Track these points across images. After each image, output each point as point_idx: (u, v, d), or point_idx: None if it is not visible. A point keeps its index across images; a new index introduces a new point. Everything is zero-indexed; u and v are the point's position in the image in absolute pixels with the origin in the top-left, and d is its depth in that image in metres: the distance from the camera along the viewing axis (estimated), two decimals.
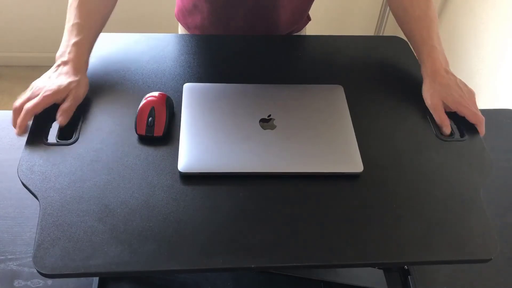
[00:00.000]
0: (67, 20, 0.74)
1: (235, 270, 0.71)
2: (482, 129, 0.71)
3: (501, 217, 0.77)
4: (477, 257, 0.58)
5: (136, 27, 2.04)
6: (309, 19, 1.04)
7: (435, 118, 0.72)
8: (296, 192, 0.62)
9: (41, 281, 0.68)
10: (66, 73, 0.69)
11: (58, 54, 0.72)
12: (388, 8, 1.86)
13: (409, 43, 0.81)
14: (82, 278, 0.70)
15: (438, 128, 0.72)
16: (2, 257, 0.70)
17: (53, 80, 0.68)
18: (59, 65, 0.70)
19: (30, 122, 0.68)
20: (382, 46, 0.84)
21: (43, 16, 2.03)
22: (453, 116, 0.73)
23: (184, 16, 0.97)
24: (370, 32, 2.12)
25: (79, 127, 0.68)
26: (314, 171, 0.64)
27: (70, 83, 0.68)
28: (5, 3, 1.99)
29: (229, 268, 0.60)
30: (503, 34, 1.40)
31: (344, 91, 0.75)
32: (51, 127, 0.68)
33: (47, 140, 0.66)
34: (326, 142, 0.67)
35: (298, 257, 0.56)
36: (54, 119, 0.68)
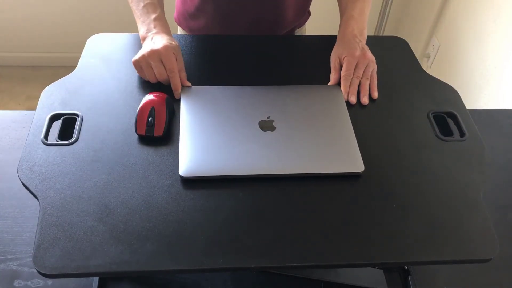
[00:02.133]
0: (135, 3, 0.77)
1: (235, 270, 0.71)
2: (343, 88, 0.75)
3: (501, 217, 0.77)
4: (477, 257, 0.58)
5: (136, 29, 2.04)
6: (309, 14, 1.05)
7: (331, 69, 0.78)
8: (296, 193, 0.62)
9: (41, 281, 0.67)
10: (164, 38, 0.73)
11: (142, 33, 0.75)
12: (388, 7, 1.85)
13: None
14: (82, 278, 0.70)
15: (439, 128, 0.72)
16: (2, 257, 0.70)
17: (159, 43, 0.71)
18: (152, 38, 0.73)
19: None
20: (382, 46, 0.84)
21: (43, 16, 2.03)
22: (453, 116, 0.73)
23: (186, 20, 0.97)
24: (370, 30, 2.12)
25: (78, 127, 0.67)
26: (314, 172, 0.64)
27: (178, 46, 0.74)
28: (5, 3, 1.99)
29: (229, 268, 0.60)
30: (503, 34, 1.40)
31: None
32: (51, 127, 0.67)
33: (47, 140, 0.66)
34: (326, 143, 0.67)
35: (298, 257, 0.56)
36: (53, 119, 0.68)
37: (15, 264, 0.69)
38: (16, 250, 0.71)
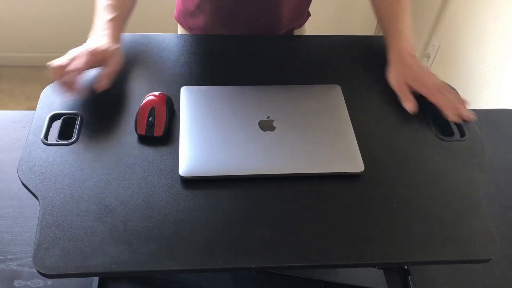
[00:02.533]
0: (98, 3, 0.74)
1: (235, 270, 0.71)
2: (446, 108, 0.72)
3: (501, 217, 0.77)
4: (477, 257, 0.58)
5: (136, 29, 2.04)
6: (309, 15, 1.04)
7: (400, 97, 0.74)
8: (296, 193, 0.62)
9: (41, 281, 0.67)
10: (105, 38, 0.69)
11: (91, 32, 0.72)
12: None
13: (381, 27, 0.83)
14: (82, 278, 0.70)
15: (439, 128, 0.72)
16: (2, 257, 0.70)
17: (99, 40, 0.68)
18: (95, 36, 0.71)
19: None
20: (382, 46, 0.83)
21: (44, 17, 2.03)
22: None
23: (185, 18, 0.97)
24: (371, 31, 2.12)
25: (78, 127, 0.67)
26: (314, 172, 0.64)
27: (110, 46, 0.68)
28: (5, 3, 2.00)
29: (229, 268, 0.60)
30: (503, 34, 1.40)
31: (343, 91, 0.75)
32: (51, 127, 0.67)
33: (47, 140, 0.66)
34: (326, 142, 0.67)
35: (298, 257, 0.56)
36: (53, 119, 0.68)
37: (15, 264, 0.69)
38: (16, 250, 0.71)
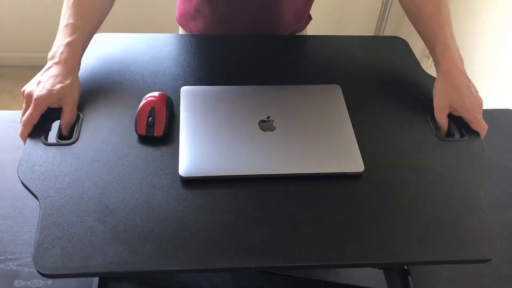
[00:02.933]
0: (61, 19, 0.72)
1: (235, 270, 0.71)
2: (482, 136, 0.71)
3: (501, 217, 0.77)
4: (477, 257, 0.58)
5: (136, 29, 2.04)
6: (310, 18, 1.04)
7: (436, 118, 0.72)
8: (296, 193, 0.62)
9: (41, 281, 0.67)
10: (58, 76, 0.67)
11: (49, 55, 0.69)
12: (388, 7, 1.86)
13: (422, 41, 0.79)
14: (82, 278, 0.70)
15: (437, 128, 0.72)
16: (2, 257, 0.70)
17: (43, 84, 0.66)
18: (49, 67, 0.68)
19: None
20: (382, 46, 0.84)
21: (44, 17, 2.03)
22: (455, 116, 0.73)
23: (186, 20, 0.97)
24: (371, 31, 2.12)
25: (79, 127, 0.67)
26: (314, 172, 0.64)
27: (62, 88, 0.66)
28: (5, 3, 1.99)
29: (229, 268, 0.60)
30: (503, 34, 1.40)
31: (343, 91, 0.75)
32: (51, 127, 0.67)
33: (47, 140, 0.66)
34: (326, 142, 0.67)
35: (298, 257, 0.56)
36: (53, 119, 0.68)
37: (15, 264, 0.69)
38: (16, 250, 0.71)
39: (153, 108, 0.68)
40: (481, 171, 0.66)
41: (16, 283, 0.68)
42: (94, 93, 0.73)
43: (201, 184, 0.62)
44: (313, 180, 0.64)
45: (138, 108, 0.68)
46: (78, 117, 0.69)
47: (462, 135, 0.71)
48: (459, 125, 0.72)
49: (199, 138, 0.66)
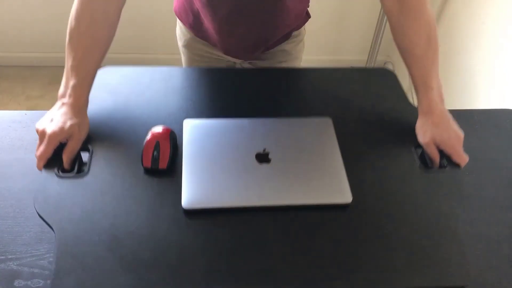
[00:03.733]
0: (66, 58, 0.77)
1: None
2: (462, 166, 0.77)
3: (501, 217, 0.79)
4: (453, 283, 0.63)
5: (134, 30, 2.05)
6: (308, 16, 1.04)
7: (428, 152, 0.78)
8: (289, 223, 0.68)
9: (41, 281, 0.68)
10: (67, 114, 0.73)
11: (59, 93, 0.76)
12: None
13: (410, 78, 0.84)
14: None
15: (422, 160, 0.77)
16: (2, 257, 0.70)
17: (56, 122, 0.73)
18: (61, 106, 0.75)
19: None
20: (370, 78, 0.89)
21: (44, 17, 2.02)
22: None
23: (186, 14, 0.98)
24: (370, 31, 2.08)
25: (89, 160, 0.73)
26: (306, 203, 0.69)
27: (72, 126, 0.72)
28: (6, 3, 1.98)
29: None
30: (503, 34, 1.39)
31: (334, 123, 0.80)
32: (62, 161, 0.73)
33: (59, 172, 0.71)
34: (317, 175, 0.73)
35: (292, 283, 0.61)
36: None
37: (15, 264, 0.69)
38: (16, 250, 0.71)
39: (157, 142, 0.73)
40: (460, 201, 0.72)
41: (16, 283, 0.67)
42: (103, 126, 0.79)
43: (202, 214, 0.68)
44: (305, 210, 0.69)
45: (144, 142, 0.74)
46: (88, 150, 0.75)
47: (443, 166, 0.77)
48: (441, 156, 0.78)
49: (200, 171, 0.71)
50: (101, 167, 0.73)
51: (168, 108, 0.83)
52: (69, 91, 0.75)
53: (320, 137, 0.78)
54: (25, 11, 2.02)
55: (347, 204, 0.70)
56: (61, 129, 0.72)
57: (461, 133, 0.78)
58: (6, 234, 0.72)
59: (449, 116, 0.79)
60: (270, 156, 0.74)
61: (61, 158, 0.72)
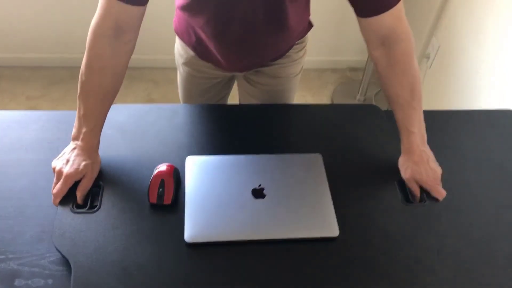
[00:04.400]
0: (77, 106, 0.82)
1: None
2: (440, 200, 0.84)
3: (501, 217, 0.83)
4: None
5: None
6: (311, 25, 1.06)
7: (410, 189, 0.85)
8: (281, 255, 0.75)
9: (41, 280, 0.70)
10: (81, 156, 0.81)
11: (72, 135, 0.83)
12: None
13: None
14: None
15: (404, 194, 0.85)
16: (3, 257, 0.72)
17: (71, 164, 0.80)
18: (74, 148, 0.82)
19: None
20: (357, 114, 0.96)
21: (44, 18, 2.05)
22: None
23: (189, 36, 1.00)
24: None
25: (101, 195, 0.81)
26: (297, 237, 0.77)
27: (85, 167, 0.80)
28: (6, 4, 2.00)
29: None
30: (503, 34, 1.41)
31: (324, 158, 0.88)
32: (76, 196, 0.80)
33: (74, 208, 0.79)
34: (307, 210, 0.80)
35: None
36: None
37: (15, 263, 0.71)
38: (16, 249, 0.73)
39: (162, 180, 0.81)
40: (437, 234, 0.79)
41: (16, 282, 0.69)
42: (112, 162, 0.86)
43: (202, 247, 0.75)
44: (296, 243, 0.77)
45: (150, 179, 0.81)
46: (100, 186, 0.82)
47: (423, 200, 0.84)
48: (421, 191, 0.85)
49: (201, 206, 0.79)
50: (111, 202, 0.80)
51: (171, 144, 0.90)
52: (81, 136, 0.82)
53: (311, 173, 0.86)
54: (25, 12, 2.03)
55: (334, 238, 0.77)
56: (76, 170, 0.79)
57: (438, 170, 0.85)
58: (6, 233, 0.74)
59: (429, 155, 0.86)
60: (265, 192, 0.82)
61: (75, 195, 0.80)
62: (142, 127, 0.93)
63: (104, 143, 0.88)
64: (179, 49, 1.10)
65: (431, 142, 0.87)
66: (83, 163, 0.80)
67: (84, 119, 0.82)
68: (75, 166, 0.80)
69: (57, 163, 0.81)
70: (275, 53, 1.03)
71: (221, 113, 0.98)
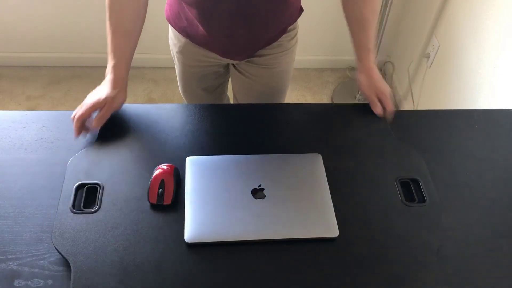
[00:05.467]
0: (107, 41, 0.92)
1: None
2: (390, 109, 0.98)
3: (501, 217, 0.83)
4: None
5: None
6: (302, 10, 1.10)
7: (371, 103, 0.99)
8: (282, 256, 0.75)
9: (41, 280, 0.69)
10: (105, 87, 0.91)
11: (106, 71, 0.93)
12: (388, 7, 1.87)
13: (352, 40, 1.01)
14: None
15: (404, 194, 0.85)
16: (2, 257, 0.71)
17: (96, 92, 0.91)
18: (104, 82, 0.92)
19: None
20: (357, 113, 0.96)
21: (44, 17, 2.05)
22: (418, 185, 0.86)
23: (180, 20, 1.04)
24: None
25: (100, 196, 0.81)
26: (297, 237, 0.77)
27: (106, 97, 0.89)
28: (6, 4, 2.00)
29: None
30: (503, 34, 1.41)
31: (323, 158, 0.87)
32: (77, 196, 0.80)
33: (74, 208, 0.79)
34: (307, 210, 0.80)
35: None
36: (79, 189, 0.81)
37: (15, 264, 0.71)
38: (16, 250, 0.72)
39: (162, 180, 0.81)
40: (437, 234, 0.79)
41: (16, 282, 0.69)
42: (113, 162, 0.86)
43: (203, 248, 0.75)
44: (296, 244, 0.77)
45: (150, 180, 0.81)
46: (99, 186, 0.82)
47: (423, 201, 0.84)
48: (422, 191, 0.85)
49: (201, 206, 0.79)
50: (110, 203, 0.80)
51: (171, 145, 0.90)
52: (110, 70, 0.91)
53: (310, 173, 0.86)
54: (25, 11, 2.03)
55: (334, 238, 0.77)
56: (98, 100, 0.88)
57: (389, 87, 1.00)
58: (6, 234, 0.74)
59: (379, 72, 1.01)
60: (265, 192, 0.81)
61: (76, 195, 0.80)
62: (142, 127, 0.93)
63: (104, 144, 0.88)
64: (172, 39, 1.14)
65: (431, 142, 0.87)
66: (105, 93, 0.89)
67: (111, 55, 0.91)
68: (97, 96, 0.89)
69: (89, 95, 0.92)
70: (267, 32, 1.03)
71: (221, 113, 0.98)
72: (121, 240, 0.75)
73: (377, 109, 0.98)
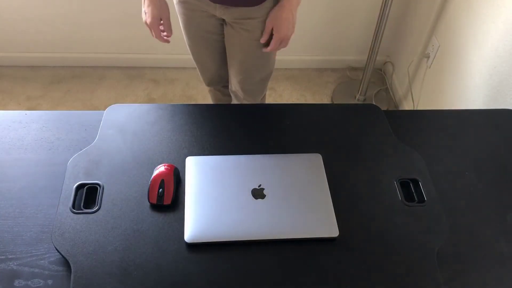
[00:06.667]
0: None
1: None
2: (271, 48, 1.14)
3: (502, 216, 0.83)
4: None
5: (134, 31, 2.12)
6: None
7: (264, 32, 1.13)
8: (281, 255, 0.75)
9: (41, 280, 0.70)
10: (150, 5, 1.11)
11: None
12: (388, 7, 1.84)
13: None
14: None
15: (404, 194, 0.84)
16: (2, 257, 0.72)
17: (148, 14, 1.13)
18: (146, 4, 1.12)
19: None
20: (357, 113, 0.96)
21: (44, 17, 2.04)
22: (418, 185, 0.86)
23: None
24: (371, 30, 2.08)
25: (100, 196, 0.81)
26: (297, 237, 0.77)
27: (158, 12, 1.12)
28: (6, 3, 2.00)
29: None
30: (503, 34, 1.40)
31: (323, 158, 0.87)
32: (77, 196, 0.80)
33: (74, 208, 0.79)
34: (307, 210, 0.80)
35: None
36: (79, 189, 0.81)
37: (15, 264, 0.71)
38: (16, 250, 0.73)
39: (163, 180, 0.81)
40: (437, 234, 0.79)
41: (16, 282, 0.69)
42: (112, 162, 0.86)
43: (203, 248, 0.75)
44: (296, 244, 0.77)
45: (150, 179, 0.81)
46: (99, 186, 0.82)
47: (422, 201, 0.84)
48: (421, 192, 0.85)
49: (201, 207, 0.79)
50: (110, 203, 0.80)
51: (171, 144, 0.90)
52: None
53: (310, 173, 0.86)
54: (25, 11, 2.03)
55: (334, 238, 0.77)
56: (153, 19, 1.12)
57: (291, 33, 1.10)
58: (6, 234, 0.74)
59: (295, 19, 1.10)
60: (264, 192, 0.81)
61: (76, 195, 0.80)
62: (142, 127, 0.93)
63: (103, 143, 0.88)
64: None
65: (431, 142, 0.87)
66: (155, 11, 1.10)
67: None
68: (150, 16, 1.11)
69: (143, 17, 1.12)
70: None
71: (221, 113, 0.98)
72: (121, 240, 0.75)
73: (262, 39, 1.12)
